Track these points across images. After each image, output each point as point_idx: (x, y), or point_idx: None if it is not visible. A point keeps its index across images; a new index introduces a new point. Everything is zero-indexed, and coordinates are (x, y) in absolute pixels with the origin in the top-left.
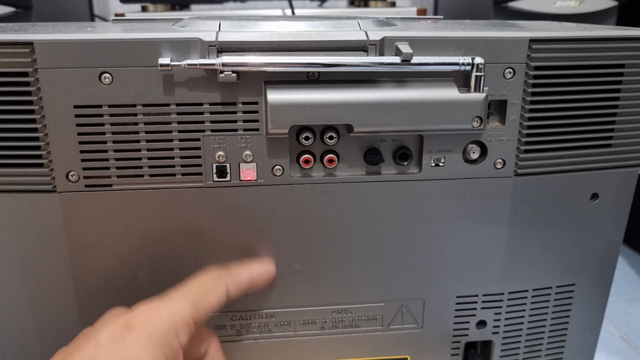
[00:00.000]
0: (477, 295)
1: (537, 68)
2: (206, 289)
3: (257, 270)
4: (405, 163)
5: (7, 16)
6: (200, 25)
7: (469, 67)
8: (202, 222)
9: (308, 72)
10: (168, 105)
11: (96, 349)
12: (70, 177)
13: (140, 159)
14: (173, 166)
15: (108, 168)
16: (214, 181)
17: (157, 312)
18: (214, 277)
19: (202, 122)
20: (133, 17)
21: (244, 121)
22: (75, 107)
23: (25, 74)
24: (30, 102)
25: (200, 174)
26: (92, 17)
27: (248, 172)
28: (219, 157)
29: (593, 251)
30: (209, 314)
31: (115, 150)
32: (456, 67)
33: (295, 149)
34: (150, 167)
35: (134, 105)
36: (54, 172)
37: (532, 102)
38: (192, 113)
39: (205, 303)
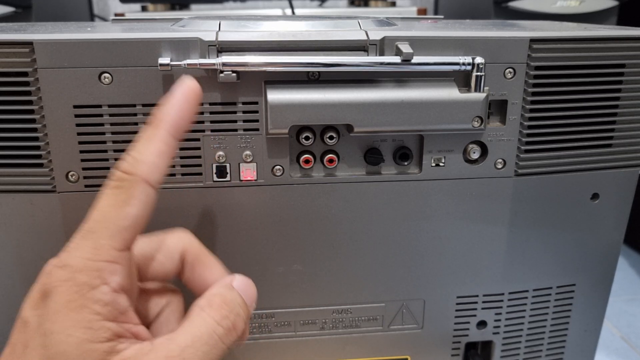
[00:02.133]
0: (477, 296)
1: (537, 68)
2: (118, 203)
3: (173, 115)
4: (406, 163)
5: (6, 16)
6: (200, 25)
7: (469, 67)
8: (202, 222)
9: (308, 72)
10: None
11: (24, 329)
12: (69, 177)
13: None
14: (173, 166)
15: (108, 168)
16: (213, 181)
17: (71, 266)
18: (122, 182)
19: (202, 122)
20: (133, 17)
21: (244, 121)
22: (75, 107)
23: (25, 74)
24: (30, 102)
25: (200, 174)
26: (91, 17)
27: (248, 172)
28: (218, 157)
29: (593, 251)
30: (141, 229)
31: (115, 150)
32: (456, 67)
33: (295, 149)
34: None
35: (134, 105)
36: (54, 172)
37: (533, 102)
38: None
39: (124, 220)
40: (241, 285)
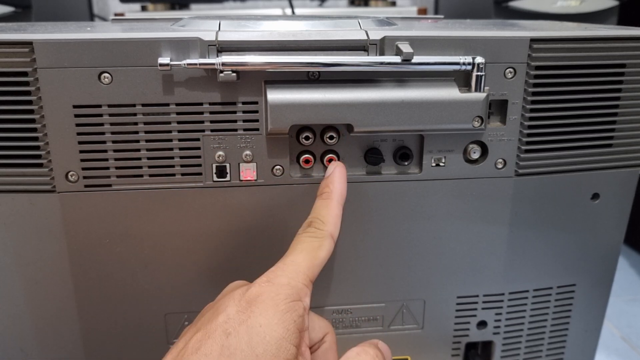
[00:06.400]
0: (477, 296)
1: (538, 68)
2: (314, 247)
3: (339, 189)
4: (406, 163)
5: (6, 16)
6: (200, 25)
7: (469, 67)
8: (201, 222)
9: (308, 72)
10: (168, 105)
11: (227, 321)
12: (69, 177)
13: (139, 159)
14: (173, 166)
15: (107, 168)
16: (213, 181)
17: (277, 282)
18: (316, 234)
19: (202, 122)
20: (132, 17)
21: (244, 121)
22: (74, 107)
23: (25, 74)
24: (30, 102)
25: (200, 174)
26: (91, 16)
27: (248, 172)
28: (218, 157)
29: (594, 251)
30: (319, 271)
31: (115, 150)
32: (457, 67)
33: (295, 149)
34: (149, 167)
35: (134, 105)
36: (54, 172)
37: (533, 102)
38: (191, 113)
39: (317, 260)
40: (384, 347)
